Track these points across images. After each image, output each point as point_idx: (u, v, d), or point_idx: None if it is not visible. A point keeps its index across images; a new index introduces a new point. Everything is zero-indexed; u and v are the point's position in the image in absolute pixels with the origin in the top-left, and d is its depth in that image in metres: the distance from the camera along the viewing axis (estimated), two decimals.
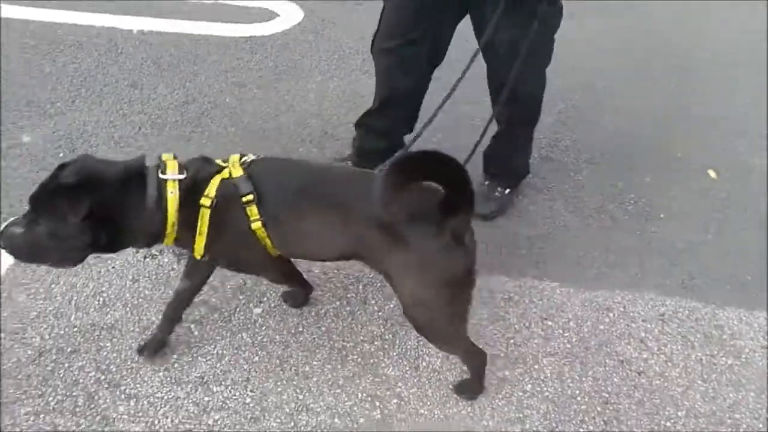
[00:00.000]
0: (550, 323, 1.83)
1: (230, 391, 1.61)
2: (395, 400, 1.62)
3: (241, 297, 1.85)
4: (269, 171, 1.36)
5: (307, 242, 1.40)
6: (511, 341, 1.78)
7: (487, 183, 2.22)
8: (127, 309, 1.77)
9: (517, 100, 1.89)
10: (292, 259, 1.62)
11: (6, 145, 2.34)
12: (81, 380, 1.60)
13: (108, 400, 1.57)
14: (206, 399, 1.59)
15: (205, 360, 1.68)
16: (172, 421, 1.53)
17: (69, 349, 1.66)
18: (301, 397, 1.61)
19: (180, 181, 1.28)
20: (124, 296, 1.80)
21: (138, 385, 1.59)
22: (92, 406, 1.55)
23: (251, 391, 1.62)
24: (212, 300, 1.83)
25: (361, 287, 1.90)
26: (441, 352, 1.68)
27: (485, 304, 1.86)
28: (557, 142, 2.57)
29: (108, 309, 1.76)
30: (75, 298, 1.79)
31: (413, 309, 1.38)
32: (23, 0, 3.24)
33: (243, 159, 1.36)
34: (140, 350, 1.63)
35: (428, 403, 1.62)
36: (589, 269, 2.03)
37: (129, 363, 1.64)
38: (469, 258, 1.32)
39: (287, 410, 1.58)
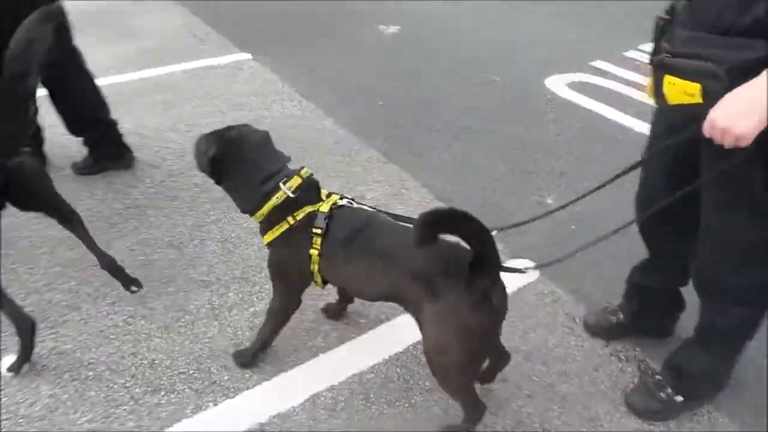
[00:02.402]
0: None
1: None
2: None
3: None
4: (346, 217, 1.60)
5: (353, 280, 1.64)
6: None
7: (658, 377, 1.81)
8: None
9: None
10: None
11: (534, 199, 2.80)
12: None
13: None
14: None
15: None
16: None
17: None
18: None
19: (287, 196, 1.60)
20: None
21: None
22: None
23: None
24: None
25: None
26: None
27: None
28: None
29: None
30: None
31: (434, 353, 1.50)
32: (579, 93, 3.84)
33: (338, 201, 1.62)
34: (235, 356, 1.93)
35: None
36: None
37: None
38: (494, 314, 1.44)
39: None
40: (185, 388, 1.82)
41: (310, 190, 1.65)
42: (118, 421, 1.72)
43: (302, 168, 1.67)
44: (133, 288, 2.07)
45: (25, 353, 1.84)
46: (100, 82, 2.75)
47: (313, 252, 1.60)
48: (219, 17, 4.78)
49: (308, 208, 1.61)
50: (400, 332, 2.04)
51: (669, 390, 1.78)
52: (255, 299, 2.17)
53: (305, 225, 1.60)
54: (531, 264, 2.30)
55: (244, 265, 2.32)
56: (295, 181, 1.62)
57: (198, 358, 1.93)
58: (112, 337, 1.99)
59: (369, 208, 1.68)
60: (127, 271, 2.08)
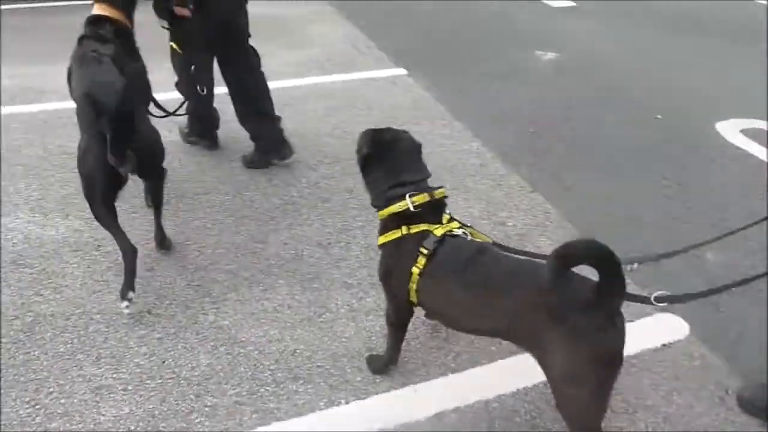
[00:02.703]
0: None
1: None
2: None
3: None
4: (457, 246, 1.62)
5: (459, 309, 1.65)
6: None
7: None
8: None
9: None
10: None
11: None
12: None
13: None
14: None
15: None
16: None
17: None
18: None
19: (407, 208, 1.67)
20: None
21: None
22: None
23: None
24: None
25: None
26: None
27: None
28: None
29: None
30: None
31: (562, 383, 1.47)
32: (753, 141, 3.49)
33: (455, 230, 1.65)
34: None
35: None
36: None
37: None
38: (620, 338, 1.40)
39: None
40: (321, 382, 1.95)
41: (433, 210, 1.69)
42: (261, 399, 1.88)
43: (440, 187, 1.74)
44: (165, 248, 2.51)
45: (128, 280, 2.14)
46: (269, 84, 3.04)
47: (415, 270, 1.64)
48: (379, 32, 5.03)
49: (424, 226, 1.66)
50: (531, 367, 1.99)
51: None
52: None
53: (416, 241, 1.65)
54: (684, 323, 2.17)
55: None
56: (422, 198, 1.68)
57: (334, 355, 2.05)
58: (262, 320, 2.18)
59: (482, 241, 1.70)
60: (280, 262, 2.35)
